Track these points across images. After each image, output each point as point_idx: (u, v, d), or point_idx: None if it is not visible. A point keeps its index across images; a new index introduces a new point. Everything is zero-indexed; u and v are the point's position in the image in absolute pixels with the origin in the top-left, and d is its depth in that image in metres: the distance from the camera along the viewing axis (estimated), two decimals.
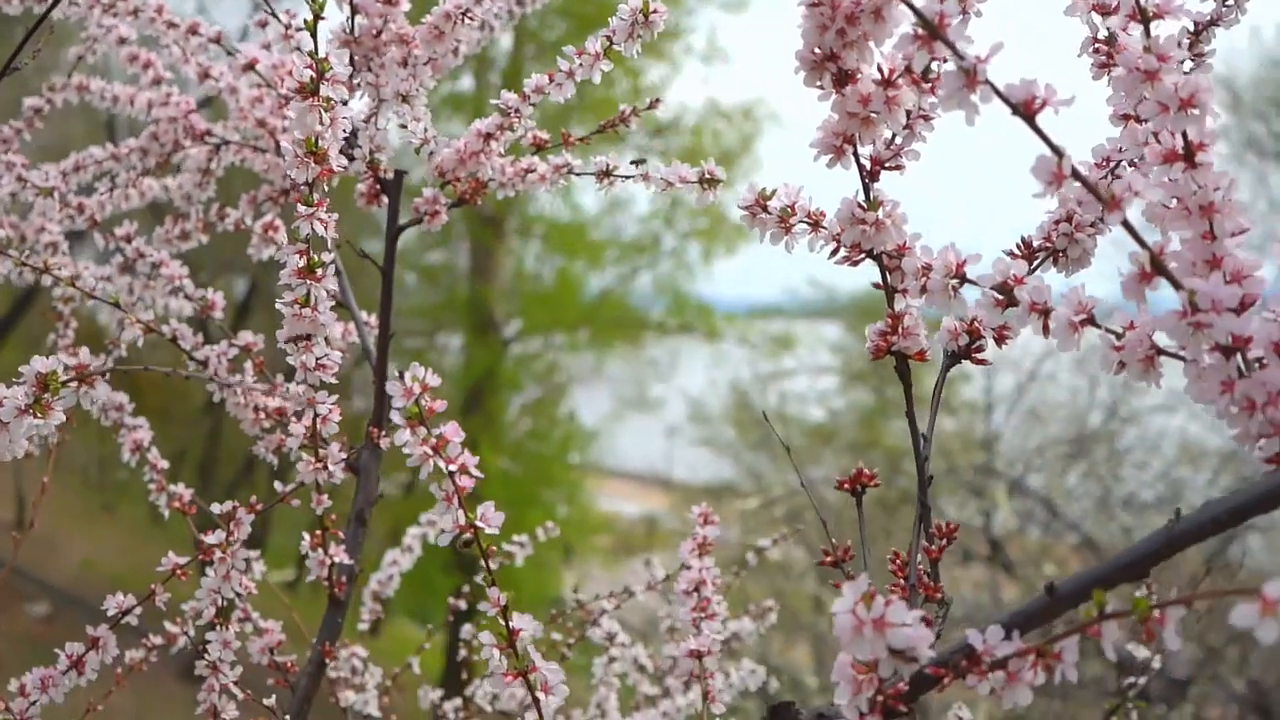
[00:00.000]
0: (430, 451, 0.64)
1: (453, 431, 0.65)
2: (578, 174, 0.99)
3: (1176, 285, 0.53)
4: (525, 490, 10.36)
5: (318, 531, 0.98)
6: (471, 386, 10.82)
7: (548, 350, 11.92)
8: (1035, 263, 0.70)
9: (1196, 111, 0.55)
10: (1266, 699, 5.48)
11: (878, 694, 0.54)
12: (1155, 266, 0.53)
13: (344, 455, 0.94)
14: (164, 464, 1.12)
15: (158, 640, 1.16)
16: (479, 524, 0.65)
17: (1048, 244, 0.70)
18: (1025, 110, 0.52)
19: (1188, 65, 0.74)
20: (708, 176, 0.85)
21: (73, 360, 0.74)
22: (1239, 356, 0.53)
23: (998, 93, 0.52)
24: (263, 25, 1.16)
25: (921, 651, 0.52)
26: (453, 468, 0.64)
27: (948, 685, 0.55)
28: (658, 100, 1.02)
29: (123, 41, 1.24)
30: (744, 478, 9.58)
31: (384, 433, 0.99)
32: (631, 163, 0.93)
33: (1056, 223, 0.71)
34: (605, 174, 0.97)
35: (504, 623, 0.67)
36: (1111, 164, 0.72)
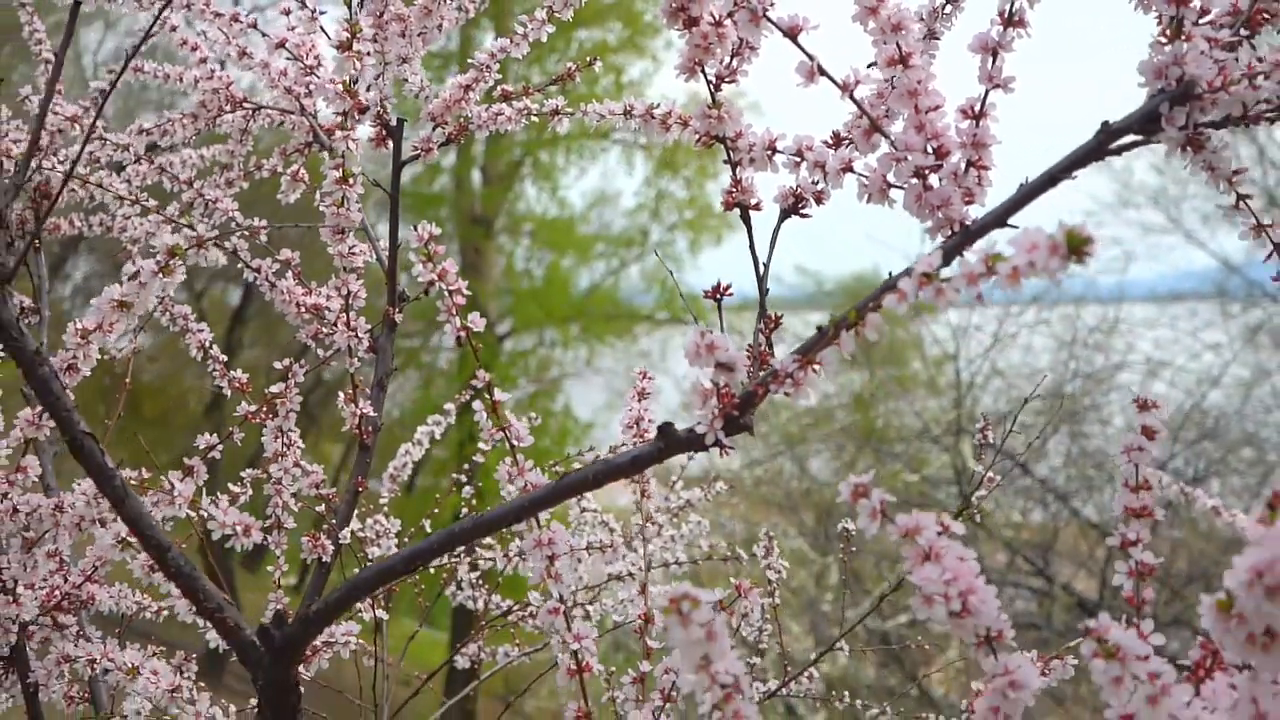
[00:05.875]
0: (436, 277, 0.97)
1: (451, 265, 0.98)
2: (535, 115, 1.32)
3: (886, 136, 0.86)
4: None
5: (349, 389, 1.31)
6: (466, 384, 11.12)
7: (540, 346, 12.25)
8: (843, 147, 1.03)
9: (904, 32, 0.88)
10: None
11: (719, 404, 0.87)
12: (873, 127, 0.86)
13: (370, 327, 1.27)
14: (224, 357, 1.45)
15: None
16: (470, 325, 0.98)
17: (849, 134, 1.03)
18: (791, 33, 0.85)
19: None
20: (627, 109, 1.18)
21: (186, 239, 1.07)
22: (926, 179, 0.86)
23: (773, 23, 0.85)
24: (286, 12, 1.49)
25: (739, 366, 0.85)
26: (451, 287, 0.97)
27: (763, 398, 0.87)
28: (595, 58, 1.36)
29: (174, 29, 1.57)
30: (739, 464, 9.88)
31: (398, 311, 1.32)
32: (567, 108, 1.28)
33: (855, 118, 1.03)
34: (555, 113, 1.30)
35: (490, 396, 1.00)
36: None
